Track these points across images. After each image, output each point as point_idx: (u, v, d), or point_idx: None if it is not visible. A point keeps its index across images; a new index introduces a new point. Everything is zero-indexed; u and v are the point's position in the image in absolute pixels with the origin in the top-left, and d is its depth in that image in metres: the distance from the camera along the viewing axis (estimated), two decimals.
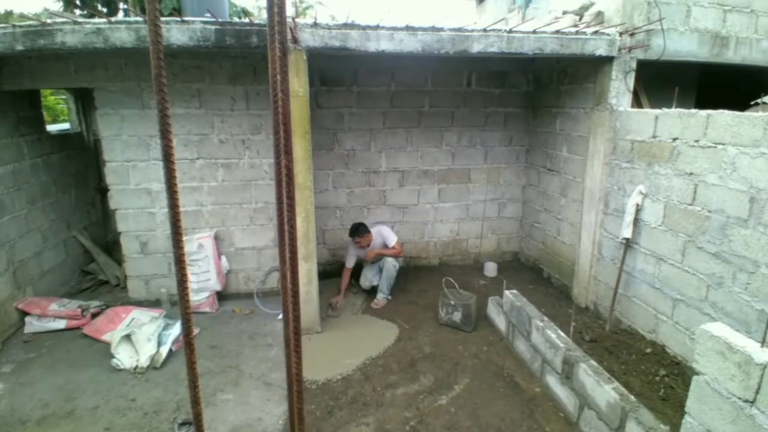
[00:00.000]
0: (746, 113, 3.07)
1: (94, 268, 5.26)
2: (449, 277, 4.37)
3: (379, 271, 4.88)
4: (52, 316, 4.12)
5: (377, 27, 3.63)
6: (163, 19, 3.61)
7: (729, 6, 4.19)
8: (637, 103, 4.45)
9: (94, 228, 5.74)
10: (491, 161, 5.73)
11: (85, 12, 7.85)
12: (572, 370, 2.99)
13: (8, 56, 3.54)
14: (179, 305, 0.83)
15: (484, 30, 3.82)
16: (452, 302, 4.19)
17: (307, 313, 4.05)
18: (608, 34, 4.02)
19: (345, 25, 3.59)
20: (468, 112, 5.51)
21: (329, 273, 5.46)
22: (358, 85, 5.17)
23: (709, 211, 3.25)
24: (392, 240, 4.78)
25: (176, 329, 3.87)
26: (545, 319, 3.52)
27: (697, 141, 3.32)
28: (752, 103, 3.87)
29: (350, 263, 4.89)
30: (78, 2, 8.05)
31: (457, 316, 4.20)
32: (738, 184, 3.02)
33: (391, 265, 4.76)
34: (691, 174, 3.37)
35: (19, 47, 3.29)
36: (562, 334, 3.30)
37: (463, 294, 4.31)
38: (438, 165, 5.62)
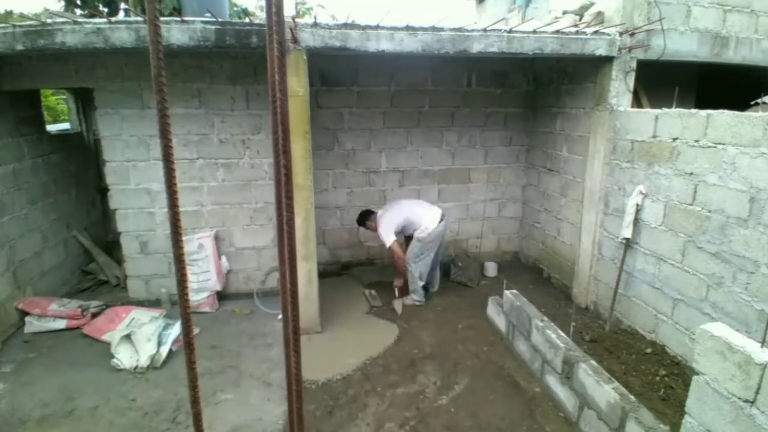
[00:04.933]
0: (746, 113, 3.07)
1: (94, 268, 5.26)
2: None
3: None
4: (52, 316, 4.12)
5: (377, 27, 3.62)
6: (163, 19, 3.62)
7: (729, 6, 4.19)
8: (637, 103, 4.45)
9: (94, 228, 5.74)
10: (491, 161, 5.73)
11: (85, 12, 7.85)
12: (572, 370, 2.99)
13: (8, 56, 3.54)
14: (179, 305, 0.83)
15: (484, 30, 3.82)
16: (460, 264, 5.33)
17: (307, 313, 4.04)
18: (608, 34, 4.02)
19: (345, 25, 3.59)
20: (468, 112, 5.51)
21: (329, 273, 5.46)
22: (358, 85, 5.17)
23: (709, 211, 3.24)
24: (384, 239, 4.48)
25: (176, 329, 3.87)
26: (545, 319, 3.52)
27: (697, 141, 3.31)
28: (752, 103, 3.86)
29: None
30: (78, 2, 8.05)
31: (464, 276, 5.27)
32: (738, 184, 3.02)
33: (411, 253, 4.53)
34: (691, 174, 3.37)
35: (19, 47, 3.29)
36: (562, 334, 3.30)
37: (470, 258, 5.49)
38: (438, 165, 5.62)
